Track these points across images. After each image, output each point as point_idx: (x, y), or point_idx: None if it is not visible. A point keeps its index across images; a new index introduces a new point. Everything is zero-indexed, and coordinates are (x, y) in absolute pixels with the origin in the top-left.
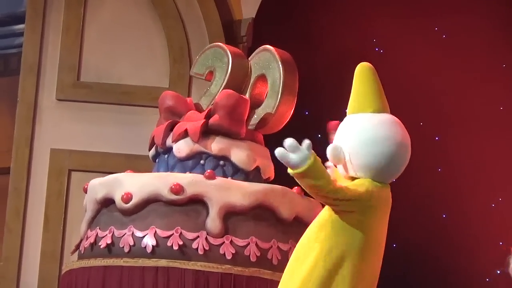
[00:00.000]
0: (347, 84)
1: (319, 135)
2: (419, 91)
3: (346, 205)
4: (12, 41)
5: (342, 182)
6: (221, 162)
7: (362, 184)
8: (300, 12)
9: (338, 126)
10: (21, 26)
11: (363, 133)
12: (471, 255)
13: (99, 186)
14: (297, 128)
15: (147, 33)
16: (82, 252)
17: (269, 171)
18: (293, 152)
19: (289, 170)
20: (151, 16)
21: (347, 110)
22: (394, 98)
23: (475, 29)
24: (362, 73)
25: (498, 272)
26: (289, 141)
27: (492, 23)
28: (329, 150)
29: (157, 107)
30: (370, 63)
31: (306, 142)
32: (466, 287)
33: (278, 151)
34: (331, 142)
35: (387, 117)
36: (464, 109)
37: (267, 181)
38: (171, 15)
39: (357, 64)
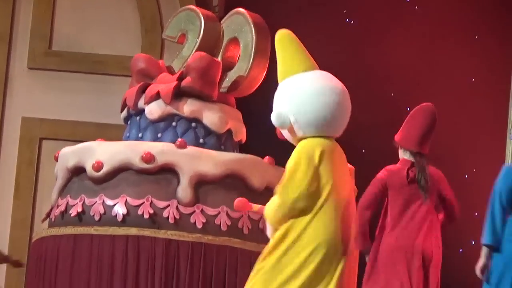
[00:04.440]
0: (320, 53)
1: None
2: (391, 61)
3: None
4: None
5: None
6: (193, 124)
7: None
8: None
9: None
10: None
11: (305, 90)
12: (443, 226)
13: (70, 154)
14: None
15: (119, 3)
16: (52, 220)
17: (241, 134)
18: None
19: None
20: None
21: (278, 79)
22: (365, 69)
23: (448, 1)
24: (284, 39)
25: (473, 242)
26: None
27: None
28: (274, 117)
29: (129, 76)
30: (341, 34)
31: None
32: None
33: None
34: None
35: (321, 72)
36: (436, 80)
37: (239, 143)
38: None
39: (328, 35)
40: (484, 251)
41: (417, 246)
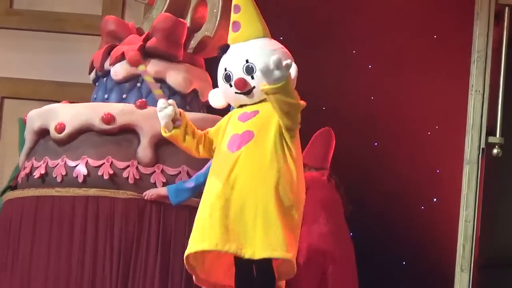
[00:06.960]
0: (281, 11)
1: None
2: (351, 19)
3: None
4: None
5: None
6: (158, 85)
7: None
8: None
9: None
10: None
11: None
12: (407, 183)
13: (35, 116)
14: None
15: None
16: (19, 182)
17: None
18: (277, 68)
19: (265, 86)
20: None
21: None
22: (327, 27)
23: None
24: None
25: (435, 200)
26: (276, 58)
27: None
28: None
29: (90, 34)
30: None
31: (288, 61)
32: (400, 216)
33: (263, 66)
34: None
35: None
36: (397, 37)
37: (206, 104)
38: None
39: None
40: None
41: None
